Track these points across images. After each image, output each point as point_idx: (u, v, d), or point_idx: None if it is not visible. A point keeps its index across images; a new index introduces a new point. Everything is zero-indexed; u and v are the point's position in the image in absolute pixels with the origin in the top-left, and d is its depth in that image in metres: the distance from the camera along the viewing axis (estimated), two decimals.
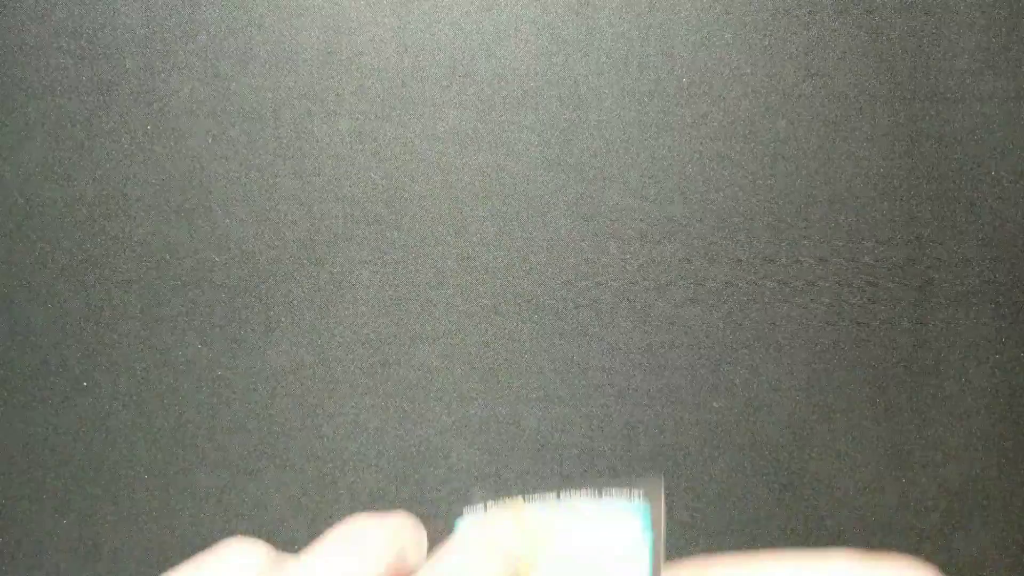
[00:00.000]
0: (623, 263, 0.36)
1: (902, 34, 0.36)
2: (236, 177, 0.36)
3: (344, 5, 0.36)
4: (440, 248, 0.36)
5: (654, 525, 0.25)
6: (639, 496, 0.25)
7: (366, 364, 0.36)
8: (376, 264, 0.36)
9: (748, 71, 0.36)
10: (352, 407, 0.36)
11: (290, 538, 0.36)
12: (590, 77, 0.36)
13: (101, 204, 0.36)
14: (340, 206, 0.36)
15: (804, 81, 0.36)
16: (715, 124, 0.36)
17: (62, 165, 0.36)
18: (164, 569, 0.35)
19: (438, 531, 0.28)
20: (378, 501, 0.36)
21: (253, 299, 0.36)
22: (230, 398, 0.36)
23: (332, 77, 0.36)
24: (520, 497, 0.25)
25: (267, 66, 0.36)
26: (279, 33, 0.37)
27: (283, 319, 0.36)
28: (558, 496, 0.25)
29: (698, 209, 0.36)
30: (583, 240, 0.35)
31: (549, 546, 0.24)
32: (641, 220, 0.36)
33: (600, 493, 0.25)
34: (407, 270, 0.36)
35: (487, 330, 0.36)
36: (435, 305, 0.36)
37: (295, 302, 0.36)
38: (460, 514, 0.25)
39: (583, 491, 0.25)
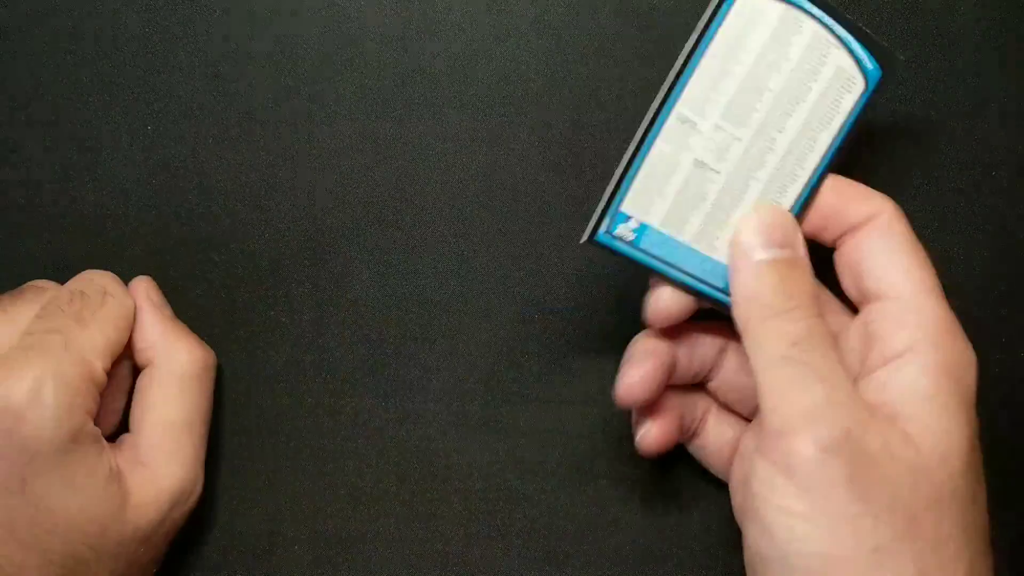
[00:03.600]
0: (624, 263, 0.36)
1: (902, 34, 0.36)
2: (236, 177, 0.36)
3: (344, 5, 0.36)
4: (440, 248, 0.36)
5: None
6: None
7: (366, 364, 0.36)
8: (376, 264, 0.36)
9: None
10: (352, 407, 0.36)
11: (290, 538, 0.36)
12: (590, 77, 0.36)
13: (101, 204, 0.36)
14: (340, 206, 0.36)
15: None
16: None
17: (62, 165, 0.36)
18: (164, 570, 0.35)
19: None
20: (378, 501, 0.36)
21: (253, 299, 0.36)
22: (230, 398, 0.36)
23: (332, 77, 0.36)
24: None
25: (267, 66, 0.36)
26: (279, 33, 0.37)
27: (283, 319, 0.36)
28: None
29: None
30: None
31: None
32: None
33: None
34: (407, 270, 0.36)
35: (487, 330, 0.36)
36: (435, 305, 0.36)
37: (295, 302, 0.36)
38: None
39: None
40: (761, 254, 0.28)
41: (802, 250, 0.29)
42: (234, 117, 0.36)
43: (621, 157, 0.29)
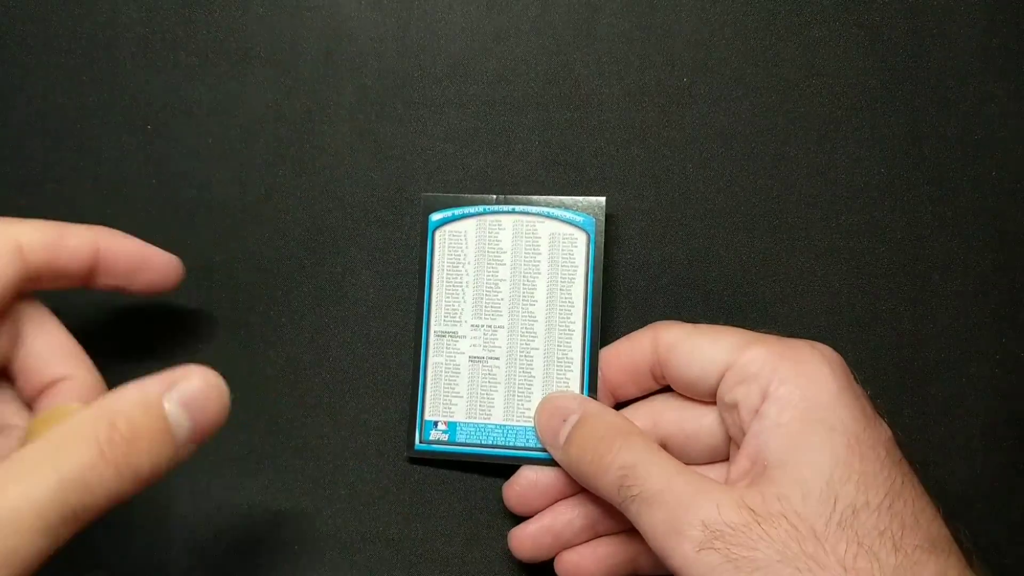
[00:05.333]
0: (623, 263, 0.36)
1: (902, 34, 0.36)
2: (236, 177, 0.36)
3: (344, 5, 0.36)
4: None
5: (596, 239, 0.34)
6: (586, 210, 0.34)
7: (366, 364, 0.36)
8: (376, 264, 0.36)
9: (748, 71, 0.36)
10: (352, 407, 0.36)
11: (290, 539, 0.36)
12: (590, 77, 0.36)
13: (101, 204, 0.36)
14: (340, 206, 0.36)
15: (804, 81, 0.36)
16: (715, 124, 0.36)
17: (62, 165, 0.36)
18: (164, 573, 0.35)
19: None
20: (378, 501, 0.36)
21: (253, 299, 0.36)
22: (230, 398, 0.36)
23: (332, 77, 0.36)
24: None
25: (267, 66, 0.36)
26: (279, 33, 0.37)
27: (283, 319, 0.36)
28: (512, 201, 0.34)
29: (698, 209, 0.36)
30: None
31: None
32: (641, 220, 0.36)
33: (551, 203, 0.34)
34: (407, 270, 0.36)
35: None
36: None
37: (295, 302, 0.36)
38: (425, 205, 0.35)
39: (535, 199, 0.34)
40: (556, 445, 0.32)
41: (589, 406, 0.32)
42: (234, 117, 0.36)
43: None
